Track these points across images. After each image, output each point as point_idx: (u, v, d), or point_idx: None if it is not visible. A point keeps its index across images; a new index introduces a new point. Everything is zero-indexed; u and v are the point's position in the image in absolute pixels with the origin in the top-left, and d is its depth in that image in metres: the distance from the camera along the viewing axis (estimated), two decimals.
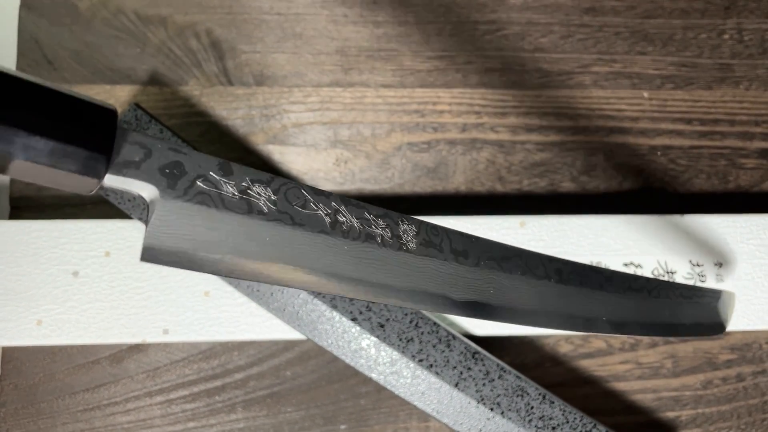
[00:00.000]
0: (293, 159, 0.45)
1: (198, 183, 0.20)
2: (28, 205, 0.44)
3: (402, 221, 0.22)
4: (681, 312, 0.27)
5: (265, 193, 0.21)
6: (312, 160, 0.45)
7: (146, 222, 0.20)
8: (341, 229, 0.21)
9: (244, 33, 0.46)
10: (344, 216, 0.21)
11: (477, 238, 0.23)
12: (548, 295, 0.24)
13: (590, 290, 0.25)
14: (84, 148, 0.18)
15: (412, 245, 0.22)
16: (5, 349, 0.42)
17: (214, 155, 0.46)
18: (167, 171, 0.20)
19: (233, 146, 0.45)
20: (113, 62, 0.45)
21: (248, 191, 0.21)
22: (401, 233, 0.22)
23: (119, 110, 0.45)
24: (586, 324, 0.24)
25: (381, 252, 0.22)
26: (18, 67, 0.45)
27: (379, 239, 0.22)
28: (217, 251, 0.20)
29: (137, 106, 0.40)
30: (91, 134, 0.18)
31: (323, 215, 0.21)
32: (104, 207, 0.44)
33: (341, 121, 0.46)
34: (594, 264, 0.41)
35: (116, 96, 0.45)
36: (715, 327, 0.28)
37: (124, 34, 0.46)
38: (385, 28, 0.47)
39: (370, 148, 0.46)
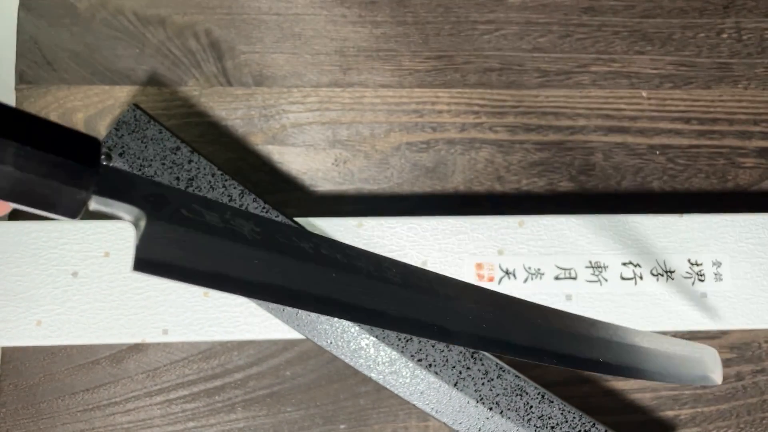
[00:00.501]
0: (292, 159, 0.45)
1: (182, 210, 0.21)
2: None
3: (383, 260, 0.23)
4: (666, 361, 0.28)
5: (247, 225, 0.21)
6: (311, 160, 0.45)
7: (135, 240, 0.20)
8: (326, 260, 0.22)
9: (243, 33, 0.46)
10: (327, 250, 0.22)
11: (466, 284, 0.24)
12: (543, 336, 0.25)
13: (577, 334, 0.26)
14: (72, 159, 0.19)
15: (398, 279, 0.23)
16: (5, 350, 0.42)
17: (214, 155, 0.46)
18: (151, 199, 0.20)
19: (232, 146, 0.45)
20: (112, 63, 0.45)
21: (231, 222, 0.21)
22: (384, 269, 0.23)
23: (118, 111, 0.45)
24: (577, 363, 0.26)
25: (369, 283, 0.22)
26: (17, 67, 0.45)
27: (364, 272, 0.22)
28: (206, 270, 0.21)
29: (136, 106, 0.41)
30: (78, 148, 0.19)
31: (306, 247, 0.22)
32: None
33: (340, 121, 0.46)
34: (593, 263, 0.41)
35: (115, 96, 0.45)
36: (706, 379, 0.29)
37: (123, 35, 0.46)
38: (384, 28, 0.47)
39: (369, 148, 0.46)
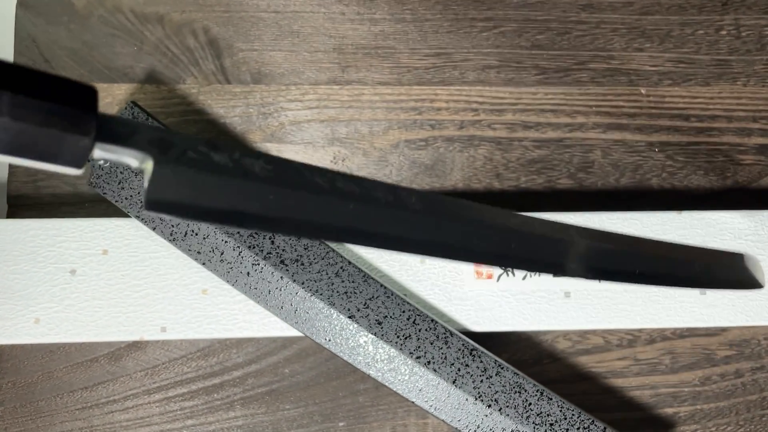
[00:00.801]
0: (291, 157, 0.45)
1: (188, 152, 0.20)
2: (26, 203, 0.44)
3: (401, 189, 0.23)
4: (712, 267, 0.29)
5: (257, 163, 0.21)
6: (309, 157, 0.45)
7: (144, 184, 0.20)
8: (343, 193, 0.21)
9: (241, 31, 0.46)
10: (342, 183, 0.22)
11: (486, 206, 0.24)
12: (563, 254, 0.25)
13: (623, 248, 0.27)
14: (70, 106, 0.18)
15: (418, 206, 0.23)
16: (3, 348, 0.42)
17: None
18: (156, 143, 0.20)
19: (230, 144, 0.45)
20: (110, 60, 0.45)
21: (240, 161, 0.21)
22: (403, 197, 0.22)
23: (116, 108, 0.45)
24: (611, 276, 0.26)
25: (390, 211, 0.22)
26: None
27: (383, 201, 0.22)
28: (220, 207, 0.20)
29: (134, 104, 0.40)
30: (75, 96, 0.19)
31: (321, 182, 0.21)
32: (102, 205, 0.44)
33: (339, 118, 0.46)
34: None
35: (113, 94, 0.45)
36: (753, 282, 0.29)
37: (121, 33, 0.46)
38: (382, 25, 0.47)
39: (368, 146, 0.46)
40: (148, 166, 0.20)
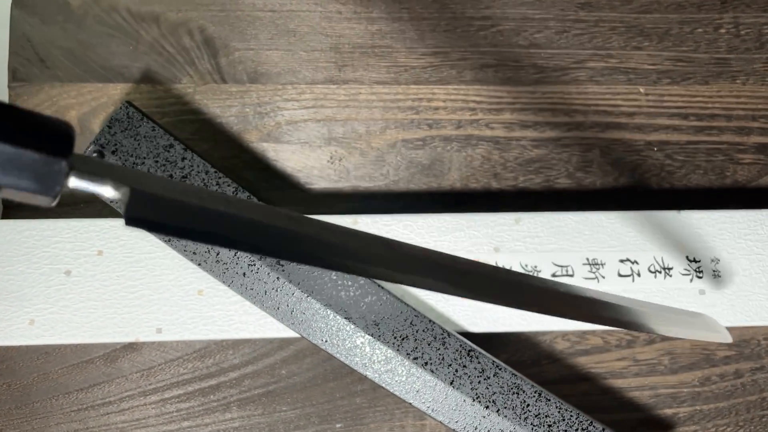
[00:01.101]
0: (287, 157, 0.45)
1: (164, 183, 0.21)
2: (21, 204, 0.44)
3: (353, 231, 0.24)
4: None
5: (230, 196, 0.22)
6: (306, 157, 0.45)
7: (122, 204, 0.21)
8: (297, 234, 0.23)
9: (237, 30, 0.46)
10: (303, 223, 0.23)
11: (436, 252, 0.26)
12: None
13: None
14: (46, 130, 0.19)
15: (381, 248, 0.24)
16: None
17: (208, 153, 0.46)
18: (131, 176, 0.21)
19: (227, 144, 0.45)
20: (106, 60, 0.45)
21: (212, 195, 0.22)
22: (363, 246, 0.24)
23: (112, 108, 0.45)
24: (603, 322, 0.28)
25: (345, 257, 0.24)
26: (10, 65, 0.45)
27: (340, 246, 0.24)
28: (198, 229, 0.21)
29: (129, 104, 0.40)
30: (50, 126, 0.19)
31: (280, 224, 0.23)
32: (97, 206, 0.43)
33: (335, 118, 0.46)
34: (591, 261, 0.41)
35: (109, 94, 0.45)
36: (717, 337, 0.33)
37: (116, 32, 0.45)
38: (380, 24, 0.47)
39: (365, 146, 0.45)
40: (125, 192, 0.20)
